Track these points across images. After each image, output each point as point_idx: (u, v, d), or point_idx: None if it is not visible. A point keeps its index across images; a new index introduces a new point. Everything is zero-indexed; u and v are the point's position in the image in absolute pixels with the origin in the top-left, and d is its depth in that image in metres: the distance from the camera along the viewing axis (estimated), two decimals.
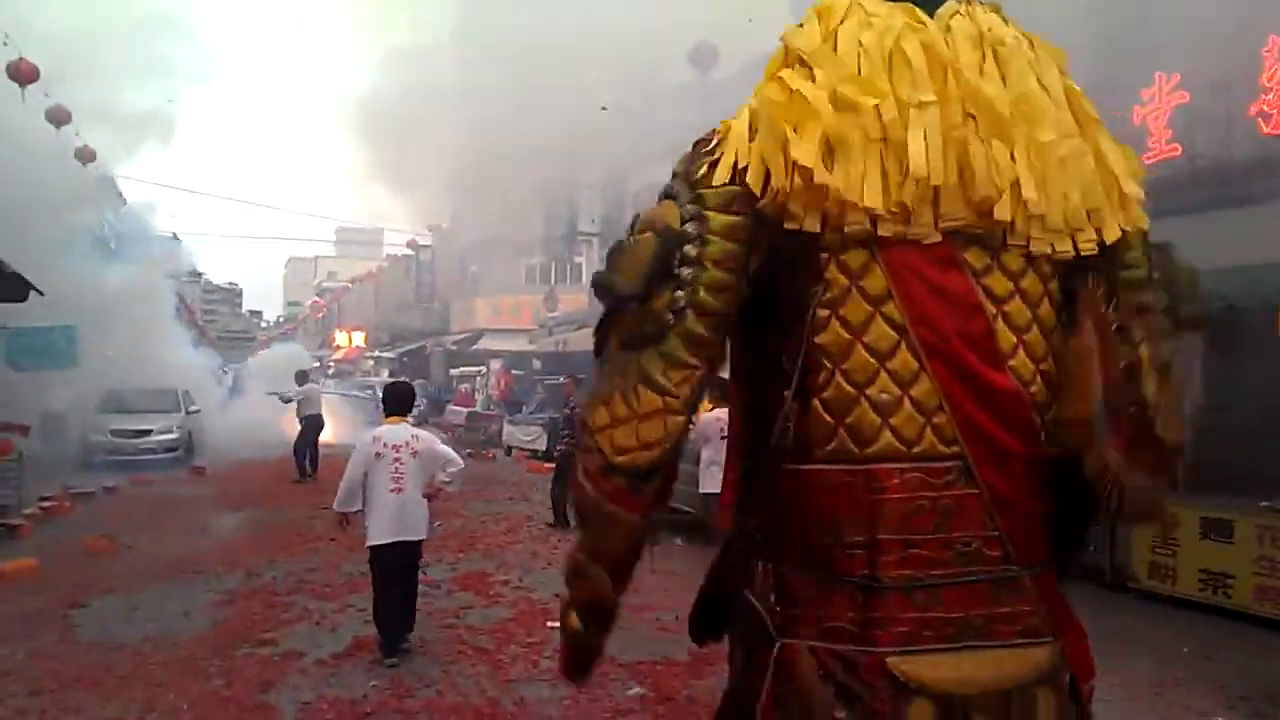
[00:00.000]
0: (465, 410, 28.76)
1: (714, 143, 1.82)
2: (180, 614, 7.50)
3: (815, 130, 1.69)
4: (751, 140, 1.76)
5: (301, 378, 18.25)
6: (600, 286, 1.84)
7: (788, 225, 1.72)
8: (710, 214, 1.75)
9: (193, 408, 21.10)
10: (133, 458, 18.02)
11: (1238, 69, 8.93)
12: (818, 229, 1.71)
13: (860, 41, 1.74)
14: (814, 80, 1.74)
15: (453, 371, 37.40)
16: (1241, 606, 7.52)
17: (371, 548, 6.27)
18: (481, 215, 33.39)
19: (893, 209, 1.69)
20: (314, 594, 8.20)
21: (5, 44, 17.00)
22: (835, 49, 1.75)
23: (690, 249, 1.75)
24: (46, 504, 12.71)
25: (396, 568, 6.26)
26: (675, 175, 1.86)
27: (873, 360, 1.72)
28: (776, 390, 1.78)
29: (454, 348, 39.37)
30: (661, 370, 1.76)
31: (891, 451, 1.71)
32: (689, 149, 1.87)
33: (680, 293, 1.74)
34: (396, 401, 6.72)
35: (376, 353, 50.83)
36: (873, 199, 1.68)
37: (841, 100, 1.70)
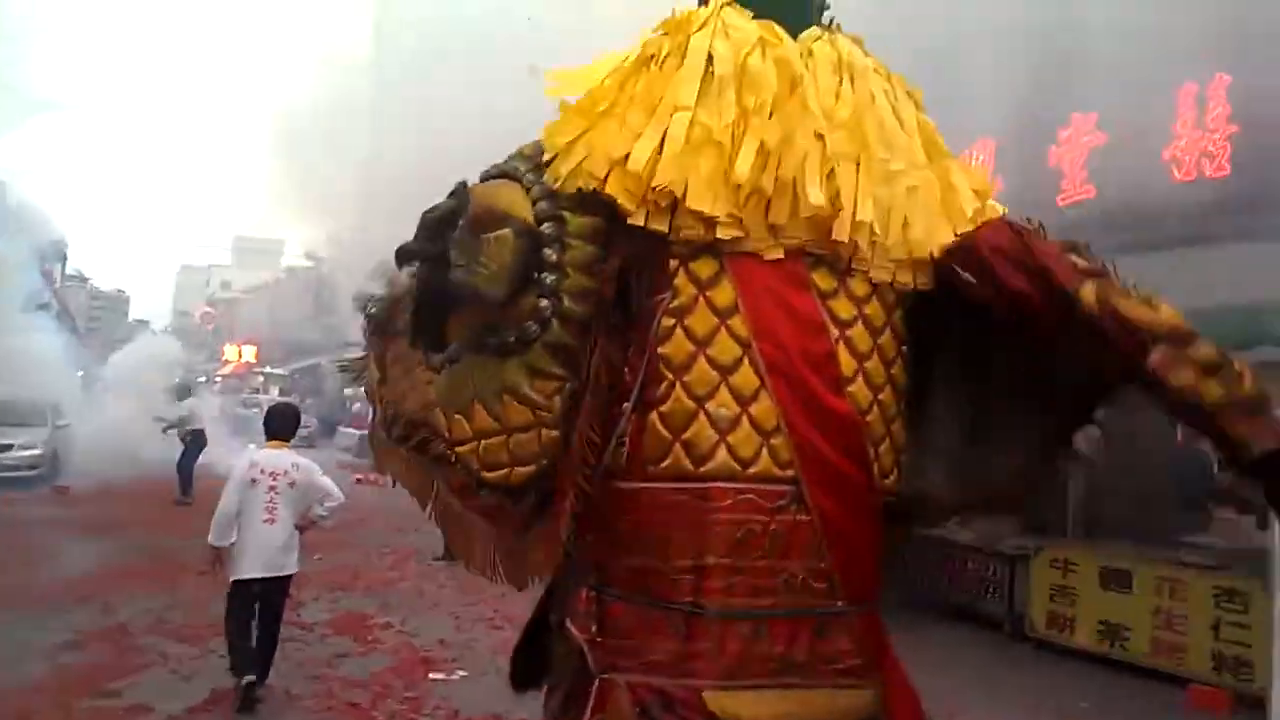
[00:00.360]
0: (359, 432, 27.73)
1: (566, 139, 1.73)
2: (14, 659, 6.73)
3: (655, 133, 1.66)
4: (593, 141, 1.71)
5: (182, 391, 17.34)
6: (459, 288, 1.68)
7: (631, 223, 1.66)
8: (567, 215, 1.70)
9: (60, 421, 19.73)
10: None
11: (1154, 113, 9.02)
12: (665, 230, 1.66)
13: (710, 52, 1.71)
14: (658, 85, 1.71)
15: (347, 391, 36.18)
16: (1139, 659, 7.45)
17: (235, 582, 5.78)
18: (389, 227, 32.61)
19: (726, 214, 1.64)
20: (173, 636, 7.44)
21: None
22: (683, 58, 1.73)
23: (550, 253, 1.68)
24: None
25: (260, 606, 5.84)
26: (523, 156, 1.77)
27: (715, 373, 1.66)
28: (616, 404, 1.71)
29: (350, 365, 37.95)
30: (528, 382, 1.68)
31: (727, 470, 1.64)
32: (537, 139, 1.78)
33: (545, 301, 1.67)
34: (279, 425, 6.18)
35: (267, 368, 49.07)
36: (699, 200, 1.64)
37: (679, 106, 1.68)
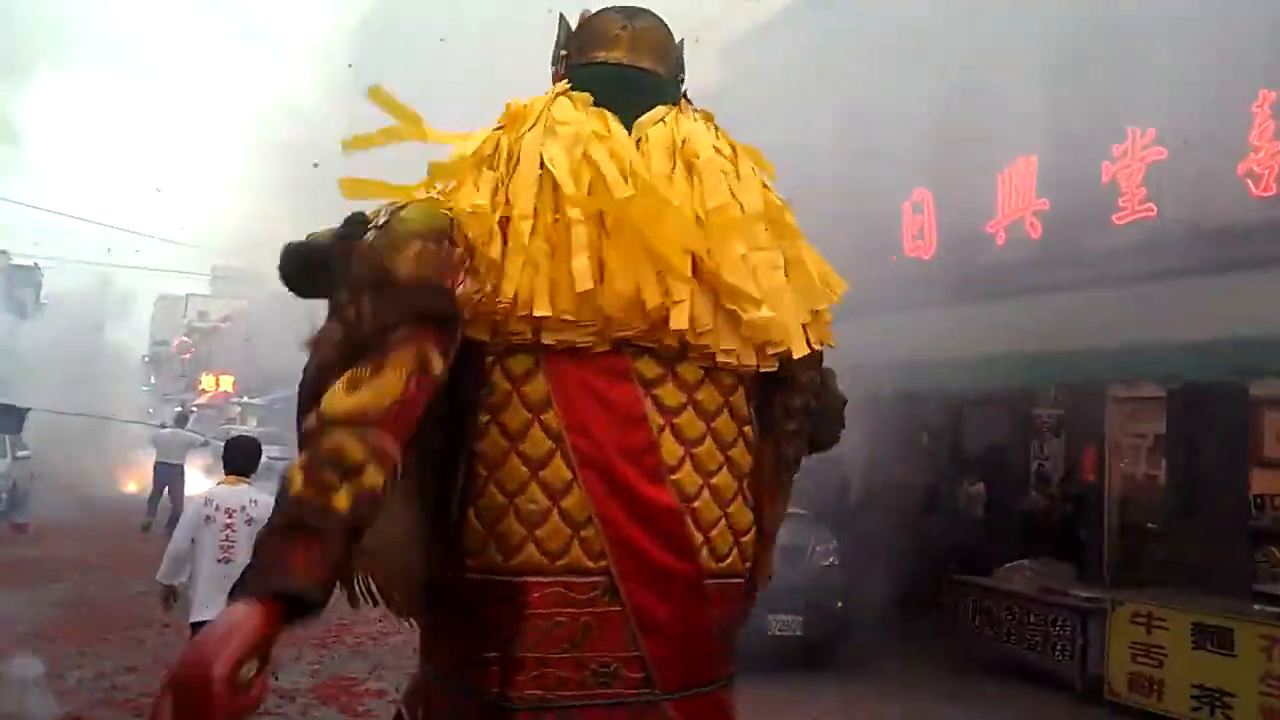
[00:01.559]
0: None
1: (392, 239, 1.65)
2: None
3: (491, 246, 1.68)
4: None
5: (179, 419, 17.02)
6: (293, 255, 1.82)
7: (465, 334, 1.66)
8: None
9: (22, 452, 18.52)
10: None
11: (1223, 124, 8.24)
12: (486, 337, 1.68)
13: (541, 154, 1.74)
14: (490, 189, 1.73)
15: None
16: None
17: (192, 624, 5.41)
18: None
19: (564, 317, 1.66)
20: (127, 708, 6.38)
21: None
22: (517, 161, 1.75)
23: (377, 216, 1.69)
24: None
25: None
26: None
27: (525, 469, 1.67)
28: (448, 497, 1.73)
29: None
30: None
31: (534, 565, 1.65)
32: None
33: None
34: (240, 459, 5.88)
35: (245, 398, 47.77)
36: (540, 307, 1.65)
37: (515, 213, 1.70)
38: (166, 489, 15.92)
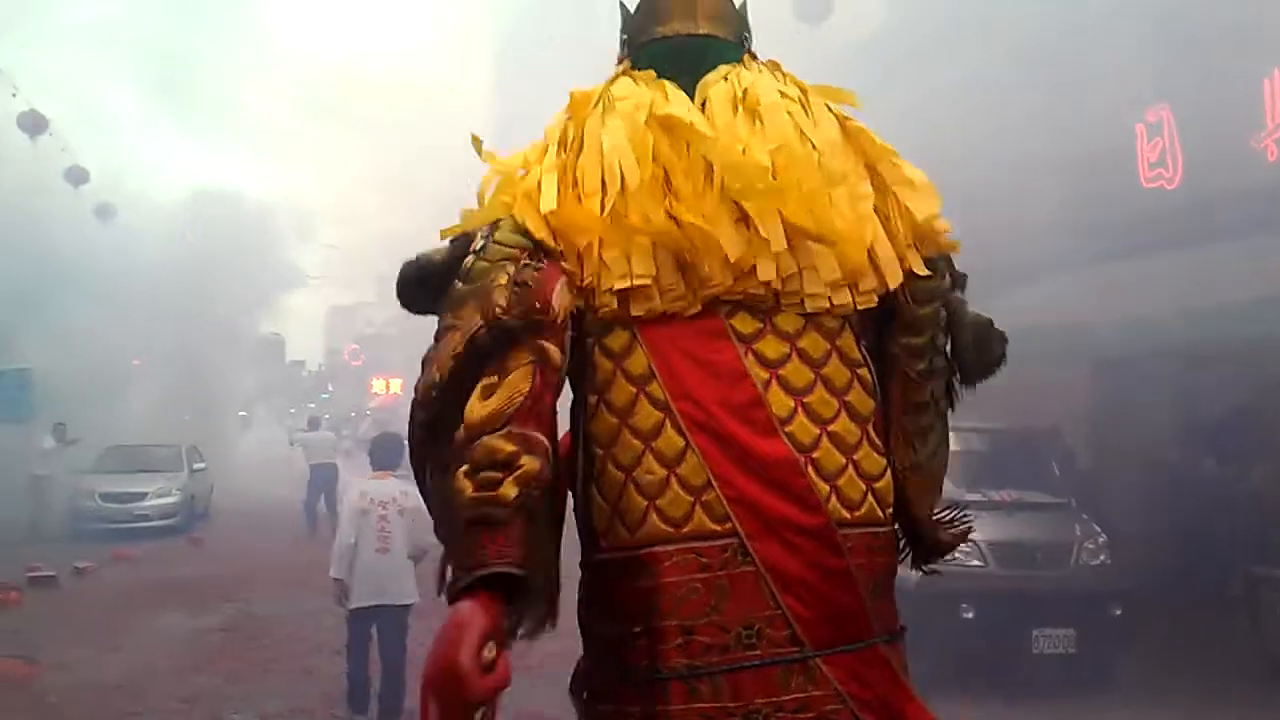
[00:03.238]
0: None
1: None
2: None
3: (578, 235, 1.72)
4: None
5: (313, 423, 16.49)
6: (411, 273, 1.84)
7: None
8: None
9: (198, 465, 18.69)
10: (126, 525, 15.65)
11: None
12: (582, 307, 1.72)
13: (601, 132, 1.77)
14: (557, 175, 1.76)
15: None
16: None
17: (351, 611, 5.91)
18: None
19: (639, 282, 1.68)
20: None
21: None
22: (582, 143, 1.79)
23: (480, 239, 1.75)
24: None
25: (379, 637, 5.93)
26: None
27: (638, 441, 1.69)
28: (575, 484, 1.78)
29: None
30: None
31: (660, 534, 1.66)
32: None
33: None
34: (387, 454, 6.25)
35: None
36: (620, 279, 1.69)
37: (584, 193, 1.73)
38: (323, 494, 15.65)
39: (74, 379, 17.82)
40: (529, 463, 1.54)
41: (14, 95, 17.23)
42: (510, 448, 1.54)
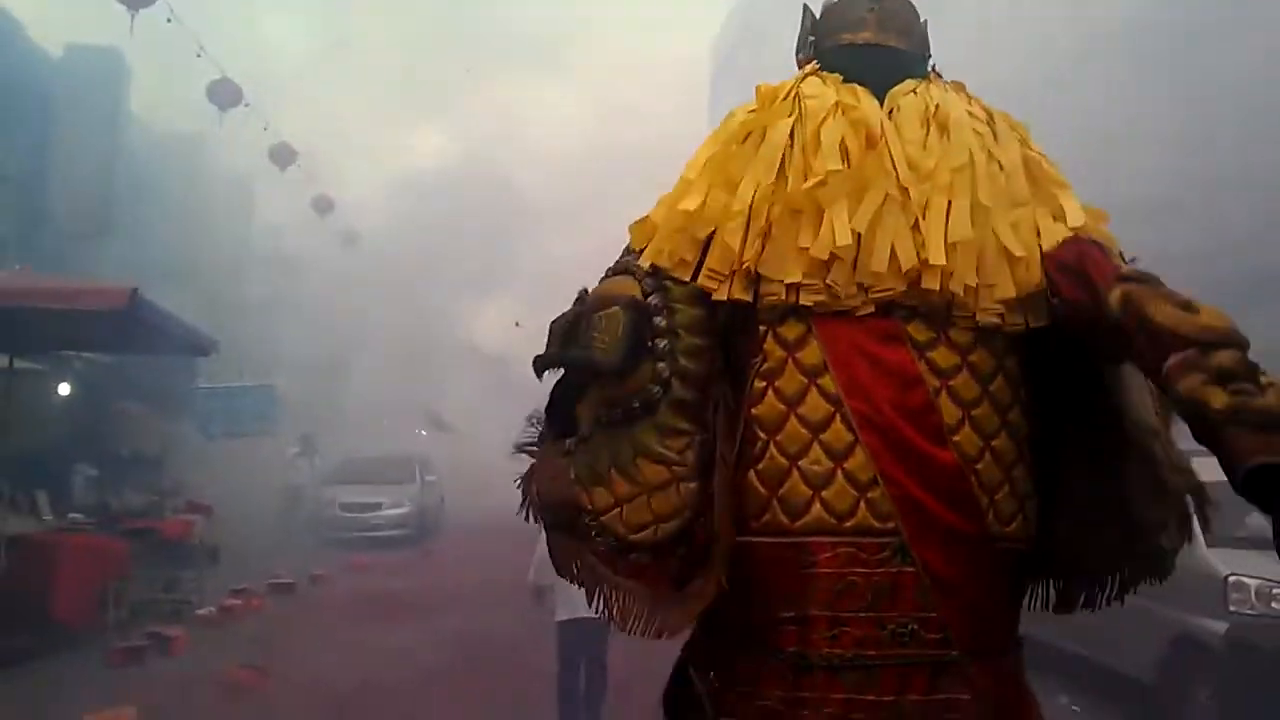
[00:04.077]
0: None
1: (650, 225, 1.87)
2: None
3: (738, 213, 1.76)
4: (677, 223, 1.82)
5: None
6: (576, 364, 1.84)
7: (715, 298, 1.76)
8: (670, 285, 1.78)
9: (429, 476, 19.04)
10: (362, 534, 16.03)
11: None
12: (750, 299, 1.74)
13: (792, 128, 1.78)
14: (738, 164, 1.81)
15: None
16: None
17: (559, 624, 5.76)
18: None
19: (806, 279, 1.70)
20: None
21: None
22: (764, 136, 1.80)
23: (660, 320, 1.77)
24: (235, 599, 10.49)
25: (580, 647, 5.75)
26: (629, 251, 1.90)
27: (806, 431, 1.70)
28: (725, 464, 1.77)
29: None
30: (659, 441, 1.75)
31: (823, 525, 1.68)
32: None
33: (662, 364, 1.75)
34: None
35: None
36: (778, 270, 1.71)
37: (760, 185, 1.76)
38: None
39: (313, 394, 18.54)
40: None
41: (265, 129, 18.18)
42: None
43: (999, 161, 1.77)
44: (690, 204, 1.80)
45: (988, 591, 1.71)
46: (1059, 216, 1.77)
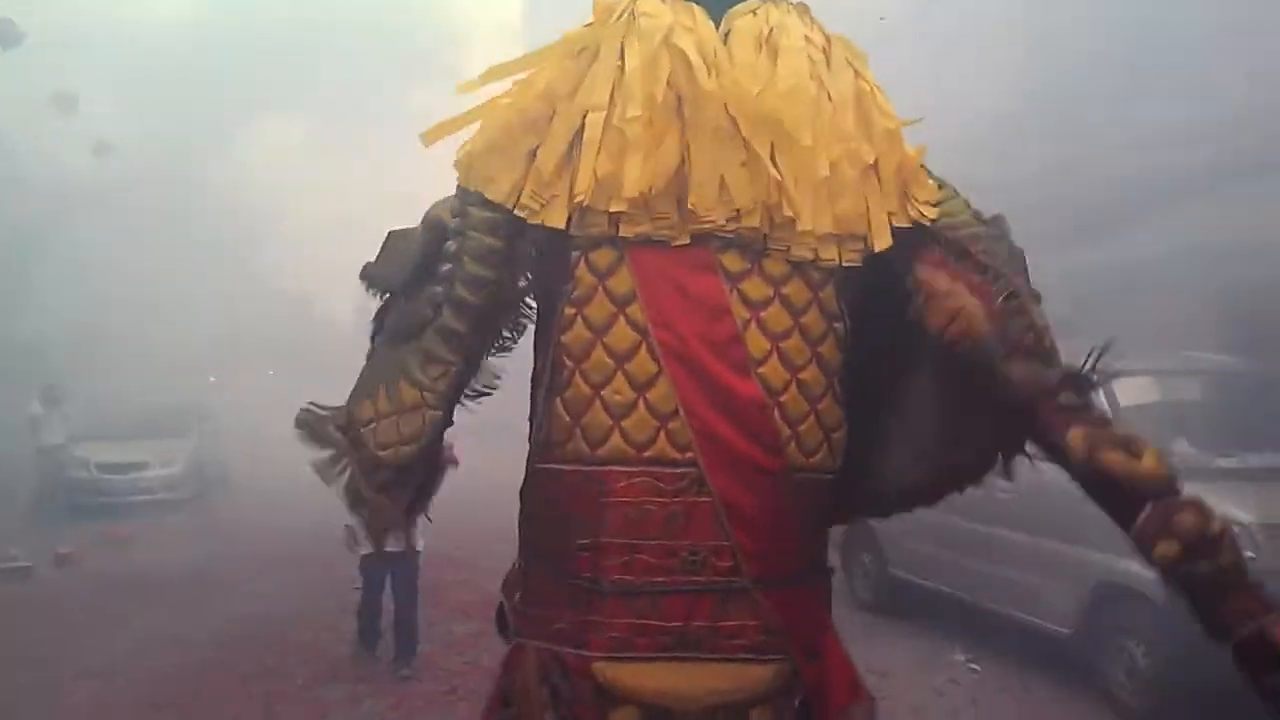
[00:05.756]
0: None
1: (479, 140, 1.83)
2: None
3: (562, 135, 1.73)
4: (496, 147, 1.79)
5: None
6: (367, 279, 1.96)
7: (531, 222, 1.75)
8: (471, 209, 1.79)
9: (208, 428, 16.74)
10: (123, 499, 13.78)
11: None
12: (562, 225, 1.73)
13: (623, 46, 1.74)
14: (567, 84, 1.76)
15: None
16: None
17: (364, 557, 6.29)
18: None
19: (630, 209, 1.69)
20: None
21: None
22: (596, 54, 1.76)
23: (451, 244, 1.79)
24: None
25: (390, 580, 6.42)
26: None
27: (611, 361, 1.71)
28: (536, 390, 1.82)
29: None
30: (420, 365, 1.82)
31: (620, 454, 1.70)
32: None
33: (439, 288, 1.80)
34: None
35: None
36: (601, 201, 1.69)
37: (591, 107, 1.72)
38: None
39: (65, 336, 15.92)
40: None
41: None
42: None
43: (828, 92, 1.76)
44: (512, 119, 1.76)
45: (784, 521, 1.73)
46: (885, 154, 1.77)
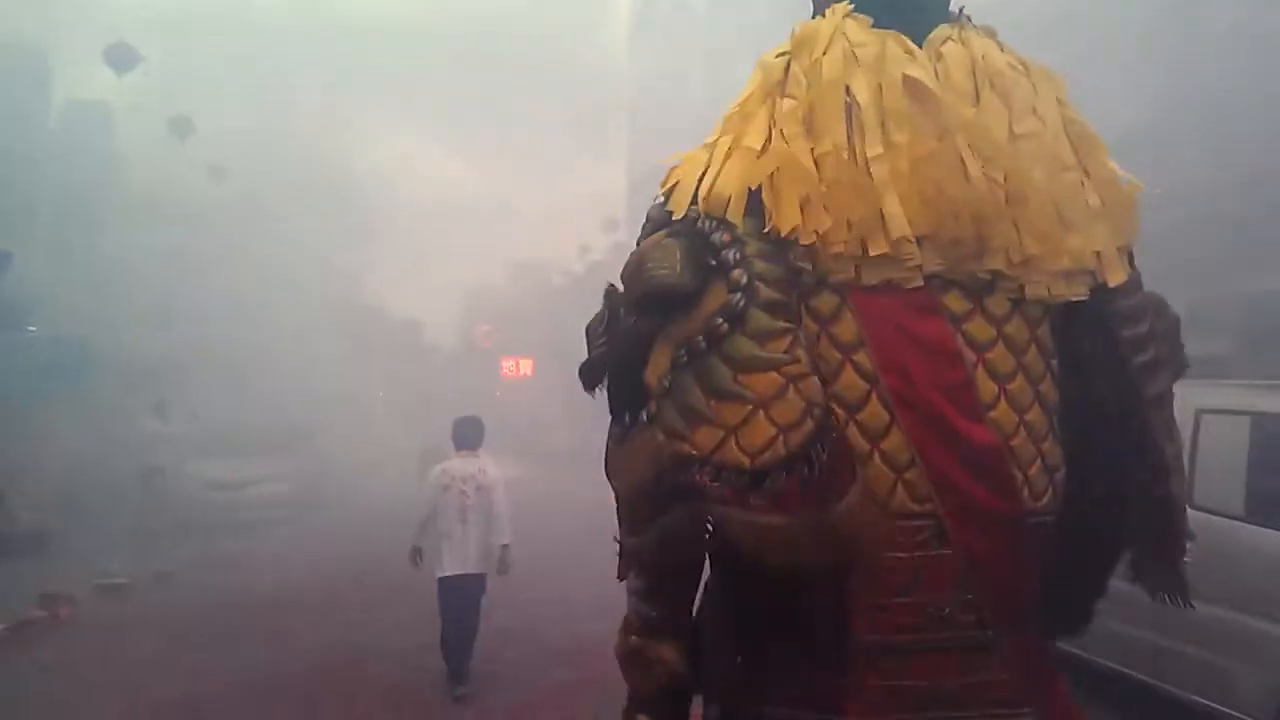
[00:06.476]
0: None
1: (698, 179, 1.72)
2: None
3: (801, 188, 1.65)
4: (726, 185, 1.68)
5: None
6: (642, 298, 1.67)
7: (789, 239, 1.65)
8: (730, 219, 1.66)
9: (316, 447, 16.72)
10: (229, 517, 13.73)
11: None
12: (808, 266, 1.64)
13: (848, 85, 1.67)
14: (797, 127, 1.68)
15: None
16: None
17: (439, 580, 6.39)
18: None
19: (876, 254, 1.62)
20: None
21: None
22: (818, 88, 1.68)
23: (720, 235, 1.63)
24: (41, 610, 8.30)
25: (454, 601, 6.35)
26: (650, 220, 1.77)
27: (842, 411, 1.63)
28: None
29: None
30: (760, 346, 1.59)
31: None
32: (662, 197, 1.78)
33: (737, 270, 1.61)
34: (464, 436, 6.72)
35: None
36: (875, 245, 1.61)
37: (830, 145, 1.65)
38: None
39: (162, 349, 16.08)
40: None
41: None
42: None
43: (1044, 120, 1.70)
44: (753, 145, 1.67)
45: (1021, 568, 1.69)
46: (1109, 184, 1.71)
